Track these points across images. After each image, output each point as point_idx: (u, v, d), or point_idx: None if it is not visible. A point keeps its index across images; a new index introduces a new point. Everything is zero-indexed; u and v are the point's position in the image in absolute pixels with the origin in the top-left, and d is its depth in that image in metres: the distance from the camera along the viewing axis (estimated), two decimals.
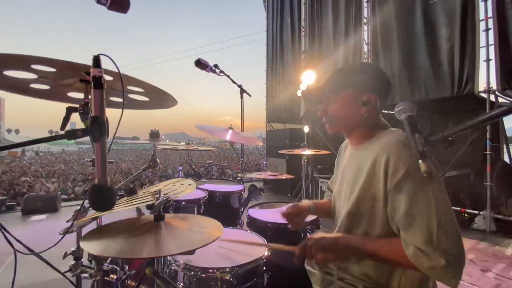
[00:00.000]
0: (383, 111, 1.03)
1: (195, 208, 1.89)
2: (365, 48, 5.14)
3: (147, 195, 1.08)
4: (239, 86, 2.30)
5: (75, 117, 0.81)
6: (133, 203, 1.02)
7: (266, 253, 1.18)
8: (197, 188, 1.99)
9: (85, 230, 1.03)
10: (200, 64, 2.08)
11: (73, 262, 1.08)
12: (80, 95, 0.82)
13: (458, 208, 3.83)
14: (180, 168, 2.41)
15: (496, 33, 3.50)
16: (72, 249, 1.09)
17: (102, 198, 0.60)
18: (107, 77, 0.76)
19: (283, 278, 1.32)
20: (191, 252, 0.76)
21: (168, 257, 1.15)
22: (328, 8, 5.77)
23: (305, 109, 6.07)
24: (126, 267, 1.32)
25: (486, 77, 3.64)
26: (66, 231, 0.92)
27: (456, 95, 3.78)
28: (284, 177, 2.37)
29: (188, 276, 1.08)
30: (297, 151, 2.77)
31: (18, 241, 0.76)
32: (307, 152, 2.76)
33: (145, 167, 1.56)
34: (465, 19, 3.70)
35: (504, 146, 4.41)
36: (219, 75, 2.17)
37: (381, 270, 0.91)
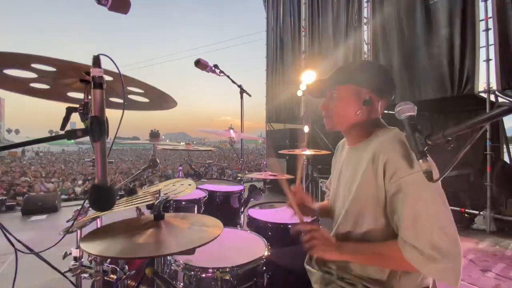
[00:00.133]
0: (385, 111, 1.02)
1: (195, 208, 1.89)
2: (365, 48, 5.14)
3: (147, 195, 1.08)
4: (239, 86, 2.30)
5: (75, 117, 0.81)
6: (133, 203, 1.02)
7: (266, 253, 1.18)
8: (197, 188, 1.99)
9: (85, 230, 1.03)
10: (200, 64, 2.08)
11: (73, 262, 1.08)
12: (80, 95, 0.82)
13: (458, 208, 3.83)
14: (180, 168, 2.41)
15: (496, 33, 3.50)
16: (72, 249, 1.09)
17: (102, 198, 0.60)
18: (107, 78, 0.76)
19: (283, 278, 1.32)
20: (191, 251, 0.76)
21: (168, 257, 1.15)
22: (328, 8, 5.77)
23: (305, 109, 6.07)
24: (126, 267, 1.32)
25: (486, 77, 3.65)
26: (66, 231, 0.92)
27: (456, 95, 3.78)
28: (284, 177, 2.37)
29: (188, 276, 1.08)
30: (297, 151, 2.77)
31: (18, 240, 0.77)
32: (307, 152, 2.76)
33: (145, 167, 1.56)
34: (465, 19, 3.70)
35: (504, 146, 4.41)
36: (219, 75, 2.17)
37: (380, 269, 0.91)
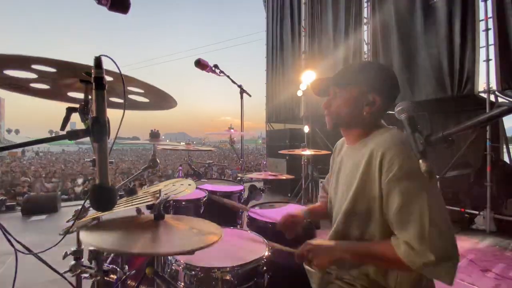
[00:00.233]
0: (386, 113, 1.02)
1: (195, 208, 1.89)
2: (365, 48, 5.14)
3: (147, 195, 1.08)
4: (239, 86, 2.30)
5: (75, 117, 0.81)
6: (133, 203, 1.02)
7: (266, 253, 1.18)
8: (197, 188, 1.99)
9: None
10: (200, 64, 2.08)
11: (73, 262, 1.08)
12: (80, 95, 0.82)
13: (458, 208, 3.83)
14: (180, 168, 2.41)
15: (496, 33, 3.50)
16: (72, 249, 1.09)
17: (103, 198, 0.60)
18: (108, 78, 0.76)
19: (283, 278, 1.32)
20: (191, 252, 0.76)
21: (168, 256, 1.15)
22: (328, 8, 5.77)
23: (305, 109, 6.07)
24: (126, 267, 1.32)
25: (486, 77, 3.65)
26: (66, 231, 0.92)
27: (456, 95, 3.78)
28: (284, 177, 2.38)
29: (188, 276, 1.08)
30: (297, 151, 2.77)
31: (18, 241, 0.77)
32: (307, 152, 2.76)
33: (145, 167, 1.56)
34: (465, 19, 3.70)
35: (504, 146, 4.41)
36: (219, 75, 2.17)
37: (379, 269, 0.92)
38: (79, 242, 1.07)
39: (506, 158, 4.45)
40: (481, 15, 3.64)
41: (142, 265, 1.19)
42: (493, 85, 3.59)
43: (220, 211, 2.00)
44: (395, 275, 0.90)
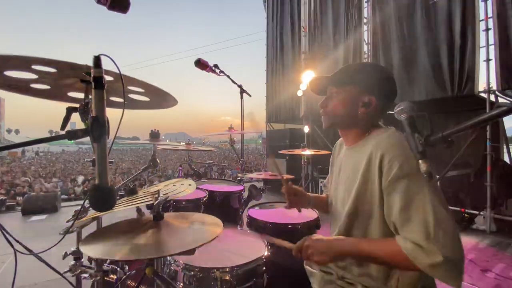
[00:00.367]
0: (384, 114, 1.02)
1: (195, 208, 1.89)
2: (365, 48, 5.14)
3: (147, 195, 1.08)
4: (239, 86, 2.30)
5: (75, 117, 0.81)
6: (133, 203, 1.02)
7: (266, 253, 1.18)
8: (197, 188, 1.99)
9: (85, 230, 1.03)
10: (200, 64, 2.08)
11: (73, 262, 1.08)
12: (80, 95, 0.82)
13: (458, 208, 3.83)
14: (180, 168, 2.41)
15: (496, 33, 3.50)
16: (72, 249, 1.09)
17: (103, 198, 0.60)
18: (107, 77, 0.76)
19: (283, 278, 1.32)
20: (191, 252, 0.76)
21: (168, 257, 1.15)
22: (328, 8, 5.77)
23: (305, 109, 6.07)
24: (126, 267, 1.32)
25: (486, 77, 3.65)
26: (66, 231, 0.92)
27: (456, 95, 3.78)
28: (284, 177, 2.37)
29: (188, 276, 1.08)
30: (297, 151, 2.77)
31: (17, 241, 0.77)
32: (307, 152, 2.76)
33: (145, 167, 1.56)
34: (465, 19, 3.70)
35: (504, 146, 4.41)
36: (219, 75, 2.17)
37: (380, 269, 0.91)
38: (79, 242, 1.07)
39: (506, 158, 4.45)
40: (481, 15, 3.64)
41: (142, 265, 1.19)
42: (493, 85, 3.59)
43: (220, 211, 2.00)
44: (396, 275, 0.89)
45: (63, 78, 0.80)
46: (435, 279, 0.92)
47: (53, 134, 0.66)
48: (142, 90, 0.92)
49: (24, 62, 0.69)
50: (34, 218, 4.31)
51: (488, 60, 3.61)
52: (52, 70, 0.73)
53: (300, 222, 1.58)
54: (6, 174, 13.07)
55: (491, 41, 3.56)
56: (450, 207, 0.81)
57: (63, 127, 0.76)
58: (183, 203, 1.85)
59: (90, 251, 0.76)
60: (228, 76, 2.22)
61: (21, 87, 0.85)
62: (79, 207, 1.02)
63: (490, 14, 3.57)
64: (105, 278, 1.06)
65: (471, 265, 2.69)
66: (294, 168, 5.81)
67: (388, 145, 0.86)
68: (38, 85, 0.84)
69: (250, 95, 2.35)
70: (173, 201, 1.83)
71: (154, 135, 1.67)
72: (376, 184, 0.86)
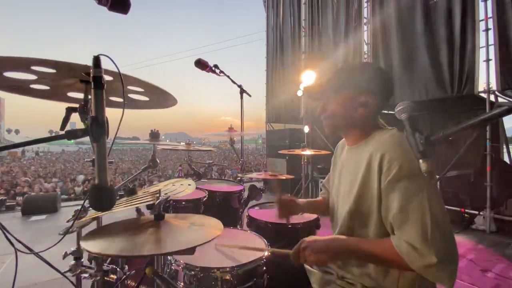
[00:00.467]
0: (382, 111, 1.03)
1: (195, 208, 1.89)
2: (365, 48, 5.14)
3: (147, 195, 1.08)
4: (239, 86, 2.30)
5: (75, 117, 0.81)
6: (133, 203, 1.02)
7: (266, 253, 1.18)
8: (197, 188, 1.99)
9: (85, 230, 1.03)
10: (200, 64, 2.08)
11: (73, 262, 1.08)
12: (80, 95, 0.82)
13: (458, 208, 3.83)
14: (180, 168, 2.41)
15: (496, 33, 3.50)
16: (72, 249, 1.09)
17: (102, 198, 0.60)
18: (107, 77, 0.76)
19: (283, 278, 1.32)
20: (191, 251, 0.76)
21: (168, 256, 1.15)
22: (328, 8, 5.76)
23: (305, 109, 6.07)
24: (126, 267, 1.32)
25: (486, 77, 3.65)
26: (66, 231, 0.92)
27: (456, 95, 3.78)
28: (284, 177, 2.38)
29: (188, 276, 1.08)
30: (297, 151, 2.77)
31: (18, 240, 0.77)
32: (307, 152, 2.76)
33: (145, 167, 1.56)
34: (465, 19, 3.70)
35: (504, 146, 4.41)
36: (219, 75, 2.17)
37: (379, 269, 0.92)
38: (79, 242, 1.07)
39: (506, 158, 4.45)
40: (481, 15, 3.64)
41: (142, 265, 1.19)
42: (493, 85, 3.59)
43: (220, 211, 2.00)
44: (396, 275, 0.90)
45: (63, 79, 0.80)
46: None
47: (53, 134, 0.66)
48: (142, 90, 0.92)
49: (24, 63, 0.69)
50: (34, 218, 4.31)
51: (488, 60, 3.61)
52: (52, 70, 0.73)
53: (300, 222, 1.58)
54: (6, 174, 13.07)
55: (491, 41, 3.56)
56: (450, 207, 0.82)
57: (62, 127, 0.76)
58: (183, 203, 1.86)
59: (90, 246, 0.76)
60: (228, 76, 2.22)
61: (21, 88, 0.85)
62: (79, 207, 1.02)
63: (490, 14, 3.57)
64: (105, 278, 1.06)
65: (471, 265, 2.68)
66: (294, 168, 5.81)
67: (389, 146, 0.86)
68: (38, 86, 0.84)
69: (250, 95, 2.35)
70: (173, 201, 1.84)
71: (154, 135, 1.67)
72: (375, 184, 0.87)
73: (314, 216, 1.66)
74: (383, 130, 0.99)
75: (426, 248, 0.75)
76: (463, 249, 3.05)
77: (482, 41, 3.63)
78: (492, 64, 3.56)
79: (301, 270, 1.14)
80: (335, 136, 1.09)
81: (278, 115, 7.18)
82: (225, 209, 2.04)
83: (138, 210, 1.28)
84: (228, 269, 1.05)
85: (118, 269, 1.12)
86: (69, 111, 0.77)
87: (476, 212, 3.73)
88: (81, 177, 12.03)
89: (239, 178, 2.36)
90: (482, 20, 3.63)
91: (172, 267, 1.13)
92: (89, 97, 0.78)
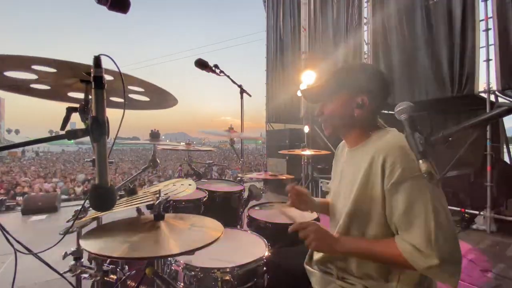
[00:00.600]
0: (382, 111, 1.03)
1: (195, 208, 1.89)
2: (365, 48, 5.14)
3: (147, 195, 1.08)
4: (239, 86, 2.30)
5: (75, 117, 0.81)
6: (133, 203, 1.02)
7: (266, 253, 1.18)
8: (197, 188, 1.99)
9: (85, 230, 1.03)
10: (200, 64, 2.08)
11: (73, 262, 1.08)
12: (80, 95, 0.82)
13: (458, 208, 3.83)
14: (180, 168, 2.41)
15: (496, 33, 3.50)
16: (72, 249, 1.09)
17: (103, 198, 0.60)
18: (107, 77, 0.76)
19: (283, 278, 1.32)
20: (191, 252, 0.76)
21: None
22: (328, 8, 5.77)
23: (305, 109, 6.07)
24: (126, 267, 1.32)
25: (486, 77, 3.65)
26: (66, 231, 0.92)
27: (456, 95, 3.78)
28: (284, 177, 2.38)
29: (188, 276, 1.08)
30: (297, 151, 2.77)
31: (18, 241, 0.76)
32: (307, 152, 2.76)
33: (145, 167, 1.56)
34: (465, 19, 3.70)
35: (504, 146, 4.42)
36: (219, 75, 2.17)
37: (380, 269, 0.92)
38: (79, 242, 1.07)
39: (506, 158, 4.46)
40: (481, 15, 3.64)
41: (142, 266, 1.19)
42: (493, 85, 3.59)
43: (220, 211, 2.00)
44: (397, 275, 0.90)
45: (63, 78, 0.80)
46: None
47: (53, 134, 0.66)
48: (142, 90, 0.92)
49: (24, 62, 0.69)
50: (34, 218, 4.30)
51: (488, 60, 3.61)
52: (52, 70, 0.73)
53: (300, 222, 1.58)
54: (6, 174, 13.07)
55: (491, 41, 3.56)
56: (450, 207, 0.83)
57: (63, 127, 0.76)
58: (183, 203, 1.85)
59: (89, 246, 0.76)
60: (228, 76, 2.22)
61: (21, 87, 0.85)
62: (79, 207, 1.02)
63: (490, 14, 3.57)
64: (105, 278, 1.06)
65: (471, 265, 2.68)
66: (294, 168, 5.81)
67: (391, 148, 0.86)
68: (38, 85, 0.84)
69: (250, 95, 2.35)
70: (173, 201, 1.83)
71: (154, 135, 1.67)
72: (378, 185, 0.87)
73: (314, 215, 1.66)
74: (383, 130, 0.99)
75: (429, 250, 0.77)
76: (463, 249, 3.03)
77: (482, 41, 3.63)
78: (492, 64, 3.56)
79: (301, 270, 1.14)
80: (335, 137, 1.09)
81: (278, 115, 7.18)
82: (225, 209, 2.04)
83: (138, 210, 1.28)
84: (228, 269, 1.05)
85: (118, 269, 1.12)
86: (70, 111, 0.77)
87: (476, 212, 3.73)
88: (81, 176, 12.03)
89: (239, 178, 2.36)
90: (482, 20, 3.63)
91: (172, 268, 1.13)
92: (90, 97, 0.78)
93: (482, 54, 3.63)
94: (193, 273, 1.07)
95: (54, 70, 0.74)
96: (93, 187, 0.59)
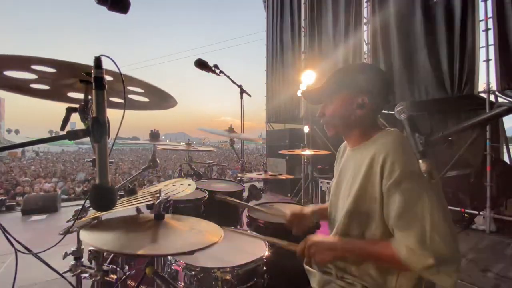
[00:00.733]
0: (382, 111, 1.03)
1: (195, 208, 1.88)
2: (365, 48, 5.14)
3: (147, 195, 1.08)
4: (239, 86, 2.30)
5: (75, 117, 0.81)
6: (133, 203, 1.02)
7: (266, 253, 1.18)
8: (197, 188, 1.99)
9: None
10: (200, 64, 2.08)
11: (73, 262, 1.08)
12: (80, 95, 0.82)
13: (458, 208, 3.83)
14: (180, 168, 2.41)
15: (496, 33, 3.50)
16: (72, 249, 1.09)
17: (103, 198, 0.60)
18: (107, 77, 0.76)
19: (283, 278, 1.32)
20: (191, 252, 0.76)
21: (168, 256, 1.15)
22: (328, 8, 5.76)
23: (305, 109, 6.07)
24: (126, 267, 1.32)
25: (486, 77, 3.65)
26: (66, 231, 0.92)
27: (456, 95, 3.78)
28: (284, 177, 2.38)
29: (188, 276, 1.08)
30: (297, 151, 2.77)
31: (18, 241, 0.77)
32: (307, 152, 2.76)
33: (145, 167, 1.56)
34: (465, 19, 3.70)
35: (504, 146, 4.42)
36: (219, 75, 2.17)
37: (379, 268, 0.92)
38: (79, 242, 1.07)
39: (506, 158, 4.45)
40: (481, 15, 3.65)
41: (142, 265, 1.19)
42: (493, 85, 3.59)
43: (220, 211, 2.00)
44: (395, 276, 0.90)
45: (63, 78, 0.80)
46: None
47: (53, 134, 0.66)
48: (142, 91, 0.92)
49: (24, 62, 0.69)
50: (34, 218, 4.31)
51: (488, 60, 3.61)
52: (52, 70, 0.73)
53: None
54: (6, 174, 13.06)
55: (491, 41, 3.56)
56: (450, 207, 0.82)
57: (63, 127, 0.76)
58: (183, 203, 1.85)
59: (90, 239, 0.76)
60: (228, 76, 2.22)
61: (21, 87, 0.85)
62: (79, 207, 1.01)
63: (490, 14, 3.57)
64: (105, 278, 1.06)
65: (471, 265, 2.68)
66: (294, 168, 5.81)
67: (391, 148, 0.87)
68: (38, 85, 0.84)
69: (250, 95, 2.35)
70: (173, 201, 1.83)
71: (154, 135, 1.67)
72: (377, 186, 0.87)
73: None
74: (384, 131, 0.99)
75: (424, 251, 0.77)
76: (463, 249, 3.04)
77: (482, 41, 3.64)
78: (492, 64, 3.56)
79: (301, 270, 1.14)
80: (337, 137, 1.09)
81: (278, 115, 7.19)
82: (225, 209, 2.03)
83: (138, 210, 1.28)
84: (228, 269, 1.05)
85: (118, 269, 1.12)
86: (69, 111, 0.77)
87: (476, 212, 3.73)
88: (81, 175, 12.02)
89: (239, 178, 2.36)
90: (482, 20, 3.63)
91: (172, 267, 1.13)
92: (89, 97, 0.78)
93: (482, 54, 3.64)
94: (193, 272, 1.07)
95: (54, 70, 0.74)
96: (93, 187, 0.59)
